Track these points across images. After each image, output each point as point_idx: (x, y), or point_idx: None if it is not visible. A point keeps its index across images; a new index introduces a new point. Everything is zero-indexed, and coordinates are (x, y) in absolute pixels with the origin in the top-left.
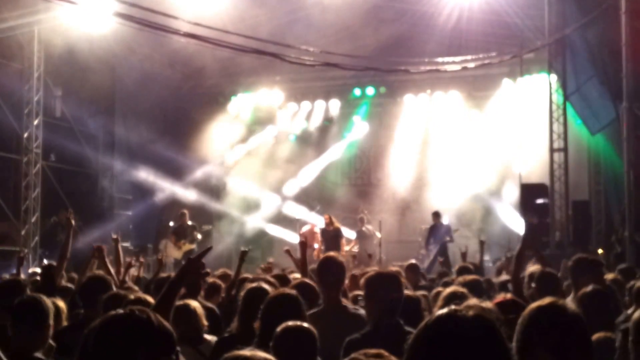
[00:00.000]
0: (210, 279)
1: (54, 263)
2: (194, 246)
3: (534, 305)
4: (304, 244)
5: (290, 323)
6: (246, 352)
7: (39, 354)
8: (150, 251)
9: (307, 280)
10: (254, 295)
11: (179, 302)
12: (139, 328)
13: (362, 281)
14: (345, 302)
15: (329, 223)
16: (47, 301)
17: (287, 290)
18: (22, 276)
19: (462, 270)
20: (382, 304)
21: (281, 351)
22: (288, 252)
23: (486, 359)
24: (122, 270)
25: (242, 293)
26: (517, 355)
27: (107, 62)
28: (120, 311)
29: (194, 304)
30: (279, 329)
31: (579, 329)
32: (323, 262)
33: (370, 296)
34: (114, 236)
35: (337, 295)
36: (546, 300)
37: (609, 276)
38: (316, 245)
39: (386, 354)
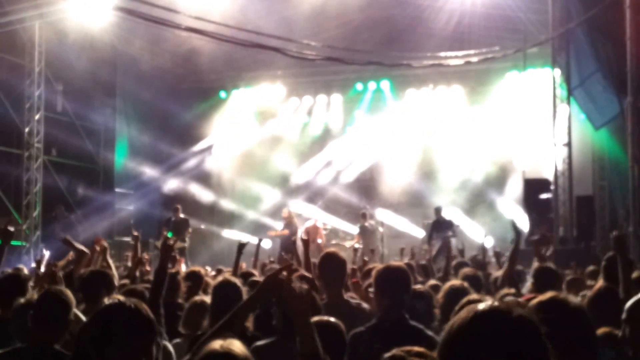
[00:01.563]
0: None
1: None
2: (185, 244)
3: (535, 300)
4: (307, 241)
5: (317, 318)
6: (216, 345)
7: (58, 347)
8: (151, 246)
9: (306, 274)
10: (225, 290)
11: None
12: (128, 317)
13: (372, 275)
14: (348, 295)
15: (288, 217)
16: (70, 294)
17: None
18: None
19: (461, 265)
20: (389, 298)
21: None
22: (294, 242)
23: None
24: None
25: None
26: None
27: (108, 57)
28: (113, 301)
29: None
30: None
31: (582, 322)
32: (324, 258)
33: (378, 290)
34: (135, 233)
35: (339, 290)
36: (547, 294)
37: None
38: (319, 240)
39: (428, 353)
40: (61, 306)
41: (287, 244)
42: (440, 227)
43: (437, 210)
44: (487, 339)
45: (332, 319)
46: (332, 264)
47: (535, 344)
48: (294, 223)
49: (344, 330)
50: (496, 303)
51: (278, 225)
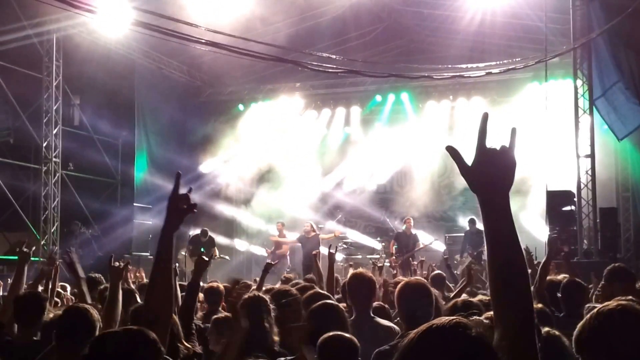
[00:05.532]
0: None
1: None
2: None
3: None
4: (332, 255)
5: (332, 333)
6: None
7: None
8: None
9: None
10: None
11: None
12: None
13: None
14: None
15: (310, 231)
16: (94, 312)
17: (329, 300)
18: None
19: None
20: (410, 315)
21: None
22: (315, 256)
23: None
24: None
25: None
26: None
27: (126, 70)
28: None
29: None
30: (321, 338)
31: None
32: (351, 279)
33: (399, 307)
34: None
35: (367, 308)
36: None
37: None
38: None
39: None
40: (84, 325)
41: (309, 259)
42: (472, 238)
43: (471, 221)
44: (441, 355)
45: (347, 335)
46: (361, 284)
47: None
48: (316, 236)
49: (358, 346)
50: (456, 319)
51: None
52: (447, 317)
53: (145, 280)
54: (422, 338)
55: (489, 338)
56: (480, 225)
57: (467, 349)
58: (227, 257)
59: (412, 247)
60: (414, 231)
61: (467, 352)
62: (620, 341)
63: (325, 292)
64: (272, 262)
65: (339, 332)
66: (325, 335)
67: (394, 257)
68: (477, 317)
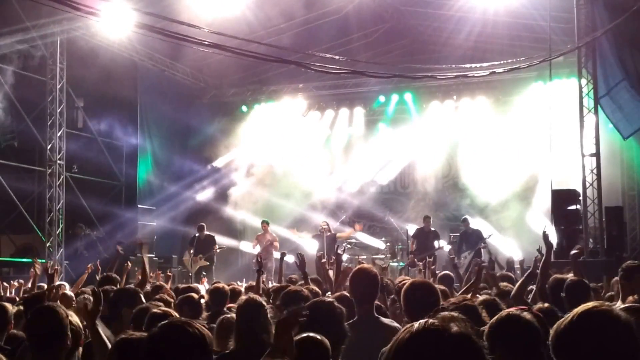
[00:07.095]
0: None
1: None
2: (208, 263)
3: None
4: (339, 256)
5: (304, 335)
6: None
7: None
8: (175, 262)
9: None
10: (249, 310)
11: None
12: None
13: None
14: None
15: (327, 229)
16: (63, 310)
17: (325, 299)
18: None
19: (503, 279)
20: (415, 315)
21: None
22: (320, 258)
23: None
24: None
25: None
26: None
27: (129, 72)
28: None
29: None
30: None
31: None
32: (355, 274)
33: (406, 307)
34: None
35: (369, 307)
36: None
37: None
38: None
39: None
40: (53, 323)
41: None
42: (468, 238)
43: (465, 221)
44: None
45: (318, 336)
46: (362, 280)
47: None
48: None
49: (329, 347)
50: (431, 321)
51: (300, 241)
52: (420, 321)
53: (161, 281)
54: (401, 346)
55: (469, 330)
56: (473, 225)
57: (446, 348)
58: (224, 246)
59: (432, 245)
60: (433, 228)
61: (448, 351)
62: (582, 344)
63: (348, 294)
64: (262, 266)
65: (311, 334)
66: (297, 338)
67: (412, 256)
68: (448, 313)
